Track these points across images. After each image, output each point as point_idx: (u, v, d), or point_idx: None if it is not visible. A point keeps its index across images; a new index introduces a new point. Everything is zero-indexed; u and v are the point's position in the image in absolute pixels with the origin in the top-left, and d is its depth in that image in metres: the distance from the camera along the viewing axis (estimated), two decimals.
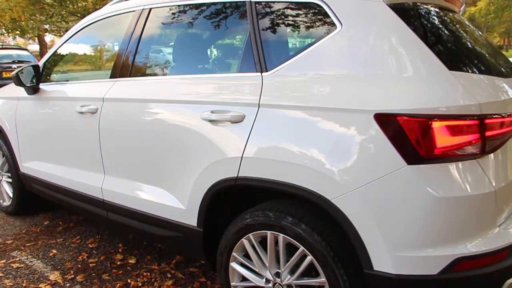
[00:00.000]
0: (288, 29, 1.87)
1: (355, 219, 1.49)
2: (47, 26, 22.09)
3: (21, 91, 2.98)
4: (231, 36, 2.19)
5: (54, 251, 2.89)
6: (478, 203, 1.46)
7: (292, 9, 1.82)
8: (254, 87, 1.76)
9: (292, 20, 1.83)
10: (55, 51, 2.96)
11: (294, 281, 1.72)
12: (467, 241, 1.46)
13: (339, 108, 1.53)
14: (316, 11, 1.73)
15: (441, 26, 1.78)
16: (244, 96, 1.78)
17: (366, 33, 1.58)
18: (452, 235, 1.45)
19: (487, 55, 1.83)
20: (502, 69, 1.77)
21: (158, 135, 2.10)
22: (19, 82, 2.82)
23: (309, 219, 1.63)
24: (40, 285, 2.45)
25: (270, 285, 1.81)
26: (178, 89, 2.07)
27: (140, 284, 2.46)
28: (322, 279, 1.62)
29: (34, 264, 2.71)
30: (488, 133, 1.45)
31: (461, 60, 1.63)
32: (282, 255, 1.73)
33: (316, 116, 1.58)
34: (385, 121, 1.43)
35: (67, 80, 3.06)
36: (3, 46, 11.40)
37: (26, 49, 12.15)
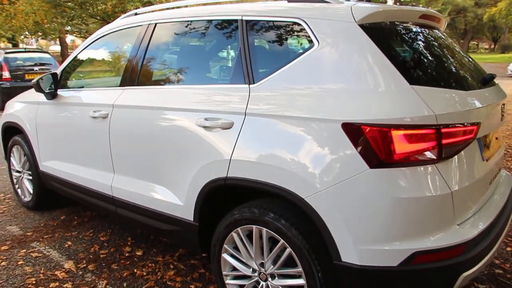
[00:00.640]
0: (273, 45, 2.08)
1: (325, 216, 1.68)
2: (68, 28, 22.81)
3: (41, 96, 3.25)
4: (225, 50, 2.41)
5: (69, 243, 3.17)
6: (435, 203, 1.64)
7: (277, 27, 2.03)
8: (242, 98, 1.98)
9: (277, 37, 2.04)
10: (72, 60, 3.23)
11: (275, 271, 1.93)
12: (425, 237, 1.64)
13: (312, 118, 1.73)
14: (298, 29, 1.94)
15: (410, 43, 1.96)
16: (233, 105, 2.00)
17: (338, 50, 1.78)
18: (410, 231, 1.63)
19: (455, 70, 2.00)
20: (466, 83, 1.94)
21: (160, 139, 2.34)
22: (39, 89, 3.10)
23: (288, 216, 1.84)
24: (55, 273, 2.72)
25: (256, 274, 2.02)
26: (177, 98, 2.30)
27: (144, 274, 2.71)
28: (299, 269, 1.83)
29: (51, 254, 2.98)
30: (444, 141, 1.62)
31: (424, 75, 1.81)
32: (265, 247, 1.94)
33: (293, 124, 1.78)
34: (351, 129, 1.63)
35: (82, 87, 3.33)
36: (26, 50, 11.92)
37: (47, 52, 12.63)
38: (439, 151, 1.62)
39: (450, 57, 2.06)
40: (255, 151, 1.89)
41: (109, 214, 3.18)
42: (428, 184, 1.63)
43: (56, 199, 3.72)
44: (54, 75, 3.14)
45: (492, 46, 56.78)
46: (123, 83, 2.68)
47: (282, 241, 1.85)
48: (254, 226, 1.95)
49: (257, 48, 2.07)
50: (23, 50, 11.86)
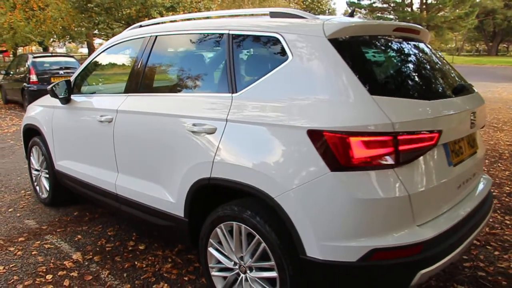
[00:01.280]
0: (255, 57, 2.27)
1: (292, 214, 1.86)
2: (96, 31, 23.66)
3: (57, 101, 3.54)
4: (214, 61, 2.60)
5: (79, 236, 3.43)
6: (393, 205, 1.78)
7: (258, 41, 2.22)
8: (225, 105, 2.17)
9: (258, 50, 2.23)
10: (84, 68, 3.50)
11: (252, 264, 2.11)
12: (384, 235, 1.79)
13: (282, 125, 1.90)
14: (276, 43, 2.11)
15: (378, 55, 2.11)
16: (217, 112, 2.20)
17: (308, 63, 1.95)
18: (369, 230, 1.78)
19: (422, 80, 2.13)
20: (431, 92, 2.06)
21: (156, 141, 2.56)
22: (53, 94, 3.38)
23: (262, 214, 2.01)
24: (64, 262, 2.98)
25: (237, 267, 2.21)
26: (171, 104, 2.52)
27: (144, 266, 2.93)
28: (272, 262, 2.00)
29: (61, 246, 3.25)
30: (401, 147, 1.77)
31: (386, 86, 1.96)
32: (244, 242, 2.12)
33: (266, 131, 1.97)
34: (314, 136, 1.79)
35: (94, 93, 3.61)
36: (53, 54, 12.52)
37: (72, 56, 13.21)
38: (397, 156, 1.76)
39: (421, 69, 2.20)
40: (234, 154, 2.08)
41: (116, 212, 3.42)
42: (386, 187, 1.77)
43: (71, 197, 4.01)
44: (67, 82, 3.42)
45: None
46: (126, 90, 2.93)
47: (257, 236, 2.03)
48: (234, 223, 2.13)
49: (241, 60, 2.26)
50: (50, 54, 12.48)
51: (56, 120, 3.63)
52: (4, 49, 18.97)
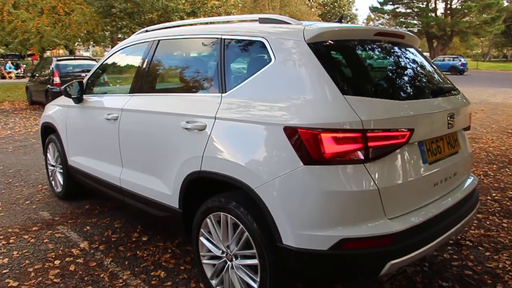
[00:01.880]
0: (243, 60, 2.43)
1: (269, 204, 2.00)
2: (119, 35, 24.37)
3: (70, 101, 3.80)
4: (209, 63, 2.78)
5: (88, 227, 3.66)
6: (362, 198, 1.90)
7: (247, 44, 2.39)
8: (215, 104, 2.35)
9: (246, 53, 2.39)
10: (95, 70, 3.75)
11: (237, 252, 2.27)
12: (354, 226, 1.91)
13: (262, 122, 2.06)
14: (261, 47, 2.28)
15: (355, 58, 2.24)
16: (207, 110, 2.37)
17: (288, 65, 2.10)
18: (339, 220, 1.91)
19: (397, 82, 2.25)
20: (406, 93, 2.18)
21: (154, 138, 2.75)
22: (67, 94, 3.64)
23: (246, 204, 2.17)
24: (72, 250, 3.21)
25: (224, 255, 2.36)
26: (169, 103, 2.71)
27: (145, 255, 3.12)
28: (254, 250, 2.15)
29: (71, 236, 3.49)
30: (370, 144, 1.89)
31: (359, 86, 2.09)
32: (230, 231, 2.28)
33: (248, 127, 2.12)
34: (290, 132, 1.94)
35: (105, 93, 3.85)
36: (76, 57, 13.04)
37: (94, 59, 13.73)
38: (366, 152, 1.89)
39: (399, 71, 2.31)
40: (220, 149, 2.25)
41: (121, 205, 3.64)
42: (355, 181, 1.90)
43: (84, 191, 4.25)
44: (80, 82, 3.66)
45: None
46: (131, 91, 3.14)
47: (241, 226, 2.18)
48: (221, 213, 2.29)
49: (231, 61, 2.43)
50: (73, 57, 12.99)
51: (69, 119, 3.89)
52: (32, 52, 19.79)
